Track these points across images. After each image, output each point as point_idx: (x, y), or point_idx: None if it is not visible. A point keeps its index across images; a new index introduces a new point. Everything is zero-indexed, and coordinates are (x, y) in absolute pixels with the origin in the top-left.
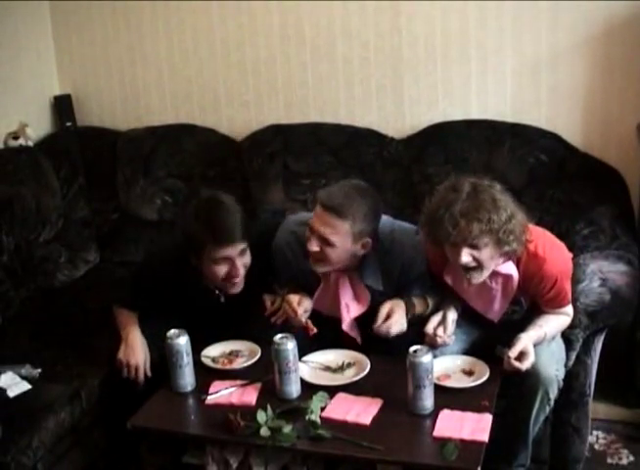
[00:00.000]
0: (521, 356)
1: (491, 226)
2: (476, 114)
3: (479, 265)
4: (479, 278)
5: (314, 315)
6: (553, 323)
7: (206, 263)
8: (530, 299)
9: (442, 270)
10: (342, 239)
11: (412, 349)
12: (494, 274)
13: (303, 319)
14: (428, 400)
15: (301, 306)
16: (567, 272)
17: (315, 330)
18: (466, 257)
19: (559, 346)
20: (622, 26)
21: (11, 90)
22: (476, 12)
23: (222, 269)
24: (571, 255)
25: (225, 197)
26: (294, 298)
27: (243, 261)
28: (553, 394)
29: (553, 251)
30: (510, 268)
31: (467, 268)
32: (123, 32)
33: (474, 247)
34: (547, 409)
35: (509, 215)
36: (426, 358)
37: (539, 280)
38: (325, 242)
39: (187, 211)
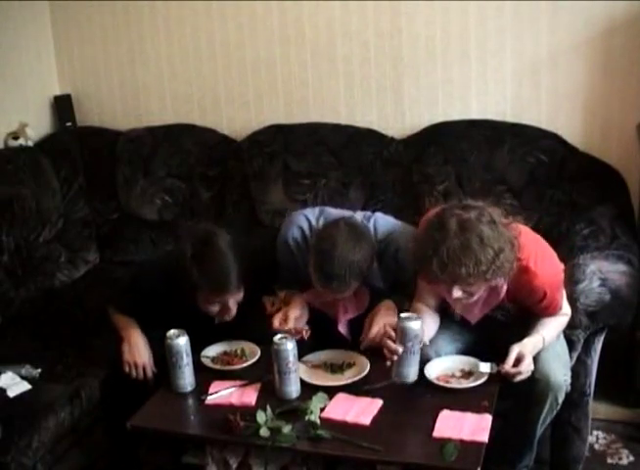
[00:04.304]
0: (517, 363)
1: (479, 269)
2: (476, 114)
3: (469, 297)
4: (468, 302)
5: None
6: (551, 325)
7: (199, 298)
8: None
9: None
10: (351, 291)
11: (403, 315)
12: None
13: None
14: (412, 368)
15: (301, 320)
16: (557, 284)
17: (309, 331)
18: (457, 292)
19: (564, 349)
20: (622, 27)
21: (11, 90)
22: (476, 12)
23: (214, 308)
24: (562, 265)
25: (222, 240)
26: (293, 312)
27: (235, 300)
28: (561, 398)
29: (545, 263)
30: (498, 281)
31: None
32: (123, 32)
33: (463, 284)
34: (554, 413)
35: (496, 252)
36: (415, 324)
37: (528, 293)
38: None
39: (183, 247)
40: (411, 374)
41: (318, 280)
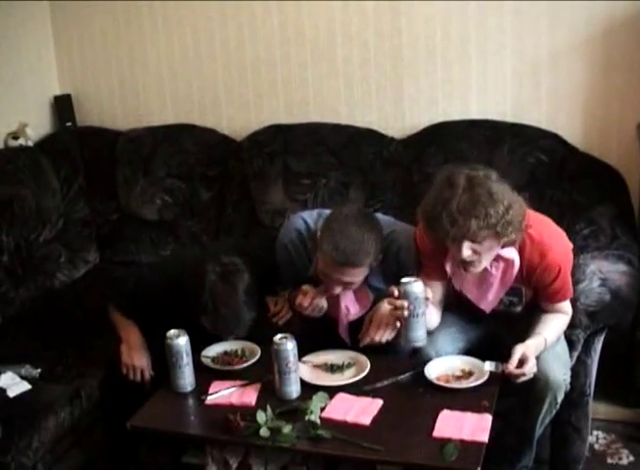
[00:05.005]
0: (520, 365)
1: (489, 221)
2: (476, 114)
3: (478, 259)
4: (478, 269)
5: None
6: (552, 326)
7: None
8: (532, 291)
9: (436, 265)
10: (363, 275)
11: (404, 279)
12: (495, 258)
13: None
14: (420, 331)
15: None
16: (569, 263)
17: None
18: (467, 250)
19: (564, 349)
20: (622, 26)
21: (11, 90)
22: (476, 12)
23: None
24: (571, 245)
25: (243, 283)
26: (307, 286)
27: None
28: (560, 397)
29: (558, 240)
30: (512, 253)
31: (465, 262)
32: (123, 32)
33: (473, 241)
34: (553, 412)
35: (506, 207)
36: (417, 286)
37: (543, 269)
38: (348, 284)
39: (207, 273)
40: (420, 337)
41: (332, 256)
